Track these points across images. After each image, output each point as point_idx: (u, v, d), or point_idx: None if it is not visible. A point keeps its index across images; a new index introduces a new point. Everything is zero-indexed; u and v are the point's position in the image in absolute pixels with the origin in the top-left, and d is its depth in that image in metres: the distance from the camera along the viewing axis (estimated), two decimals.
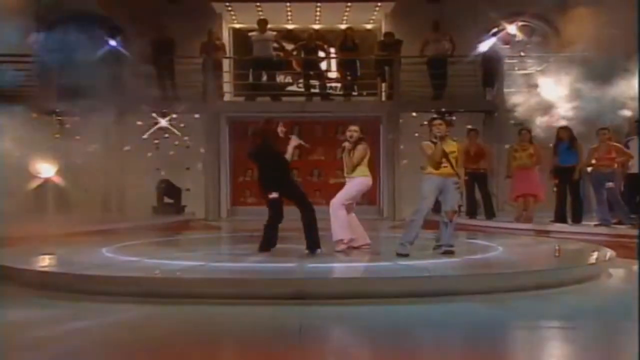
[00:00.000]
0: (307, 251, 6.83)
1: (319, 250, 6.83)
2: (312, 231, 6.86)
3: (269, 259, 6.55)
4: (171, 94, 14.40)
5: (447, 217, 6.73)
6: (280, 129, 7.02)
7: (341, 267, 6.35)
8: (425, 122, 7.21)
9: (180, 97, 14.27)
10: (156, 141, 14.70)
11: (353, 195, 7.31)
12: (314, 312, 4.74)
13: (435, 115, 7.13)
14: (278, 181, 6.97)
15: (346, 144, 7.26)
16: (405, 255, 6.51)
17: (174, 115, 14.58)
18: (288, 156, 6.99)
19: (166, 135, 14.77)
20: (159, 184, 14.43)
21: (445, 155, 6.76)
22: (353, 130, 7.29)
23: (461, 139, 12.66)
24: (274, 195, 6.88)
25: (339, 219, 7.13)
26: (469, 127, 13.37)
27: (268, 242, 7.04)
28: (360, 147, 7.28)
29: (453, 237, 6.90)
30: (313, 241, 6.85)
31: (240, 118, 15.23)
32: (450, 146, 6.84)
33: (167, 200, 14.60)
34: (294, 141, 7.08)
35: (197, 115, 14.91)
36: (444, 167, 6.77)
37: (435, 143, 6.81)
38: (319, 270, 5.93)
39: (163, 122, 14.54)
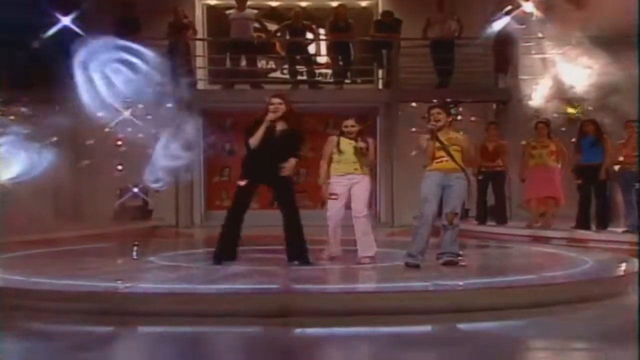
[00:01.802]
0: (296, 263, 6.95)
1: (311, 260, 7.00)
2: (300, 240, 7.01)
3: (249, 270, 6.54)
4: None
5: (446, 220, 6.76)
6: (269, 108, 7.09)
7: (333, 280, 6.35)
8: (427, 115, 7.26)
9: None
10: (119, 142, 14.58)
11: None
12: (302, 332, 4.73)
13: (434, 103, 7.19)
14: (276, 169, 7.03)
15: (362, 144, 7.44)
16: (415, 266, 6.57)
17: (139, 106, 14.49)
18: (255, 141, 6.99)
19: (129, 128, 14.64)
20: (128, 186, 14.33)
21: (443, 147, 6.79)
22: (351, 126, 7.51)
23: (470, 132, 12.81)
24: (243, 182, 6.99)
25: (370, 232, 7.39)
26: (491, 120, 13.37)
27: (224, 249, 7.08)
28: (373, 142, 7.69)
29: (457, 244, 6.90)
30: (301, 251, 7.01)
31: (216, 109, 15.17)
32: (453, 139, 6.86)
33: (131, 203, 14.53)
34: (265, 123, 7.09)
35: (166, 106, 14.82)
36: (445, 161, 6.81)
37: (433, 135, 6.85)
38: (307, 284, 5.93)
39: (126, 114, 14.44)
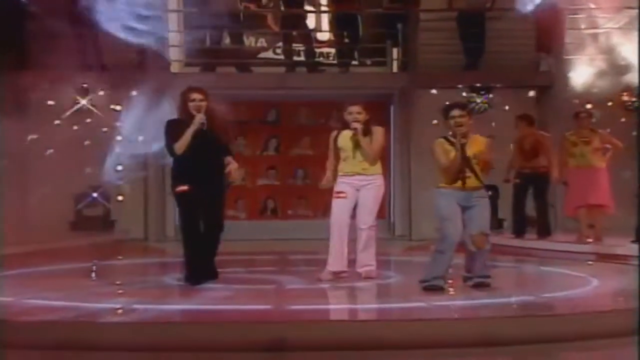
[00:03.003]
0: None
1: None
2: (212, 257, 7.41)
3: (234, 295, 6.59)
4: (95, 63, 14.33)
5: (474, 244, 6.75)
6: (191, 104, 7.28)
7: (335, 307, 6.40)
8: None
9: (108, 67, 14.22)
10: (75, 127, 14.60)
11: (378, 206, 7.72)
12: None
13: (453, 102, 7.15)
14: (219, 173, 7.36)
15: (356, 125, 7.54)
16: (438, 289, 6.64)
17: (100, 93, 14.53)
18: (181, 145, 7.19)
19: (88, 119, 14.68)
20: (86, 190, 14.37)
21: (467, 163, 6.76)
22: (357, 113, 7.59)
23: (505, 125, 12.84)
24: (184, 187, 7.20)
25: (373, 248, 7.64)
26: (526, 113, 13.36)
27: (198, 269, 7.27)
28: (379, 130, 7.75)
29: (488, 264, 6.93)
30: (211, 269, 7.39)
31: None
32: (475, 145, 6.85)
33: (90, 212, 14.55)
34: (196, 121, 7.24)
35: (133, 93, 14.84)
36: (466, 176, 6.79)
37: (452, 143, 6.81)
38: (304, 311, 6.00)
39: (84, 102, 14.48)
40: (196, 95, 7.27)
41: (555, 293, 6.87)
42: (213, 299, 6.54)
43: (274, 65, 15.87)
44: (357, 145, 7.59)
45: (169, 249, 13.35)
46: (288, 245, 11.75)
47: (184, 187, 7.18)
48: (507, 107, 14.18)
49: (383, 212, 15.16)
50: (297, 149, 15.58)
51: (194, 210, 7.28)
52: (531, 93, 14.91)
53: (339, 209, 7.64)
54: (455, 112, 6.87)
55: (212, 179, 7.29)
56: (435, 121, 12.97)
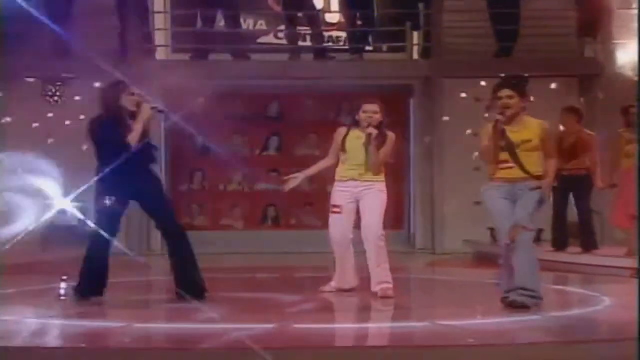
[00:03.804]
0: (187, 297, 7.16)
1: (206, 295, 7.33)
2: (193, 268, 7.40)
3: (229, 317, 6.58)
4: (66, 50, 14.36)
5: (509, 236, 6.71)
6: (131, 98, 7.53)
7: (347, 330, 6.38)
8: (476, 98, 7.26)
9: (82, 55, 14.24)
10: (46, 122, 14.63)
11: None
12: None
13: (503, 79, 7.10)
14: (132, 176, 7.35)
15: (372, 130, 7.65)
16: (520, 306, 6.64)
17: (74, 85, 14.56)
18: (134, 136, 7.32)
19: (61, 113, 14.70)
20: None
21: (509, 147, 6.72)
22: (372, 113, 7.71)
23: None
24: (108, 201, 7.30)
25: (386, 263, 7.71)
26: (574, 106, 13.35)
27: (91, 281, 7.42)
28: (391, 138, 7.91)
29: (537, 277, 6.87)
30: (195, 283, 7.36)
31: (183, 87, 15.21)
32: (528, 131, 6.80)
33: (61, 222, 14.55)
34: (146, 109, 7.45)
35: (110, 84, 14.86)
36: (510, 167, 6.76)
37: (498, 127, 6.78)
38: (308, 336, 5.98)
39: (55, 94, 14.49)
40: (135, 90, 7.60)
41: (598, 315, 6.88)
42: (201, 321, 6.52)
43: (276, 52, 15.88)
44: (366, 149, 7.70)
45: (152, 263, 13.34)
46: (291, 259, 11.75)
47: (109, 201, 7.29)
48: (545, 100, 14.14)
49: (401, 223, 15.19)
50: (302, 148, 15.57)
51: (114, 225, 7.43)
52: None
53: (336, 225, 7.83)
54: (503, 92, 6.83)
55: (147, 186, 7.46)
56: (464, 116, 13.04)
